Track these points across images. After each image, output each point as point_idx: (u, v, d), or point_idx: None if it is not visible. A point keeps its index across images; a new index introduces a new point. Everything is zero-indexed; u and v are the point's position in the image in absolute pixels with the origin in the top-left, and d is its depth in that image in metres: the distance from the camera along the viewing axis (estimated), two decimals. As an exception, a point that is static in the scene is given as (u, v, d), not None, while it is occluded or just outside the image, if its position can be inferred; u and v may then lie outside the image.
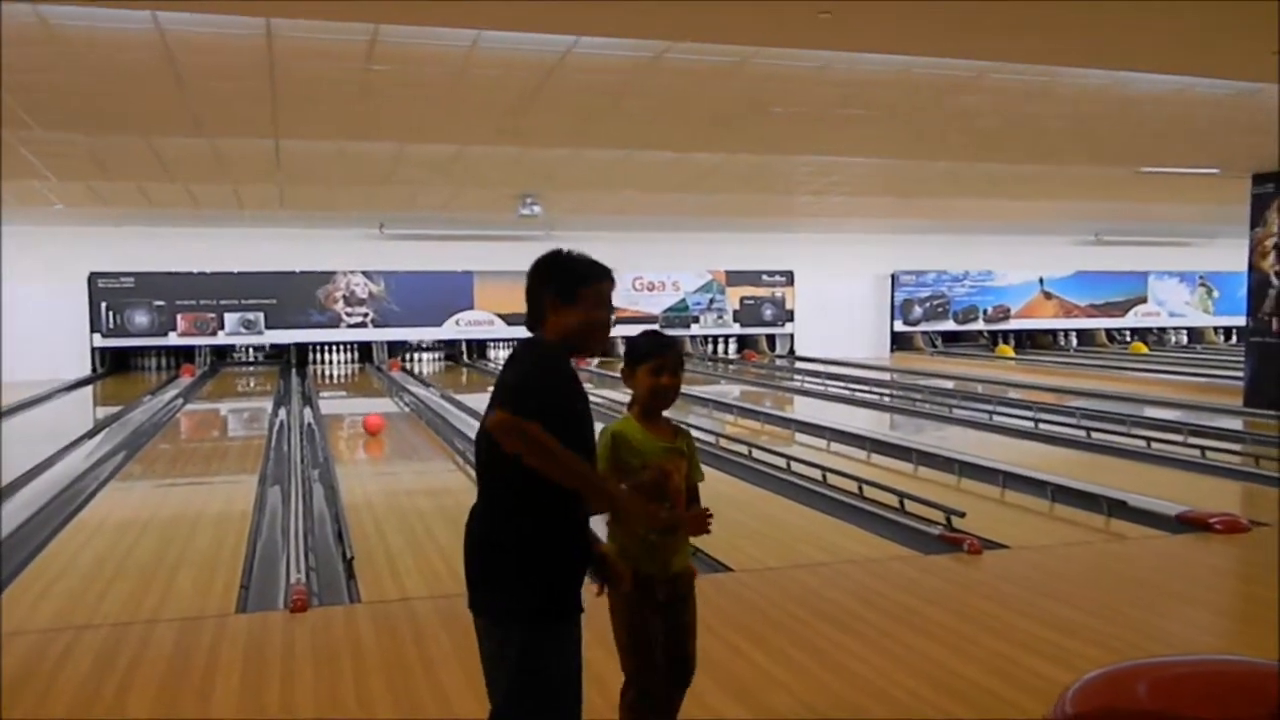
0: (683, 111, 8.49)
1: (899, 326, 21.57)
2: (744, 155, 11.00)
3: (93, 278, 17.17)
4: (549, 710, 2.35)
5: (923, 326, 21.81)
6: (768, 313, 20.77)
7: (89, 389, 15.96)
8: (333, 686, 3.75)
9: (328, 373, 17.97)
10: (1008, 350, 21.51)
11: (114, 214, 15.31)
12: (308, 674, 3.88)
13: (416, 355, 19.15)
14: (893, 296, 21.46)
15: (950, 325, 21.94)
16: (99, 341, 17.29)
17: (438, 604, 4.73)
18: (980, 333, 22.19)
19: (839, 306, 21.01)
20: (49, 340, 16.74)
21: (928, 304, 21.69)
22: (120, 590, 5.11)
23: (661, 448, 2.81)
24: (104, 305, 17.24)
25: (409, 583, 5.24)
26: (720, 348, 21.07)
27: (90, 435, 10.86)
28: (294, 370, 17.73)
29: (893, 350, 21.33)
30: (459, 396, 13.61)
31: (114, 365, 17.66)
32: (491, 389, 2.43)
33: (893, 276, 21.40)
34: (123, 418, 12.15)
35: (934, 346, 21.80)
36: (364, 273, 18.45)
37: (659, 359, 2.80)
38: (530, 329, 2.56)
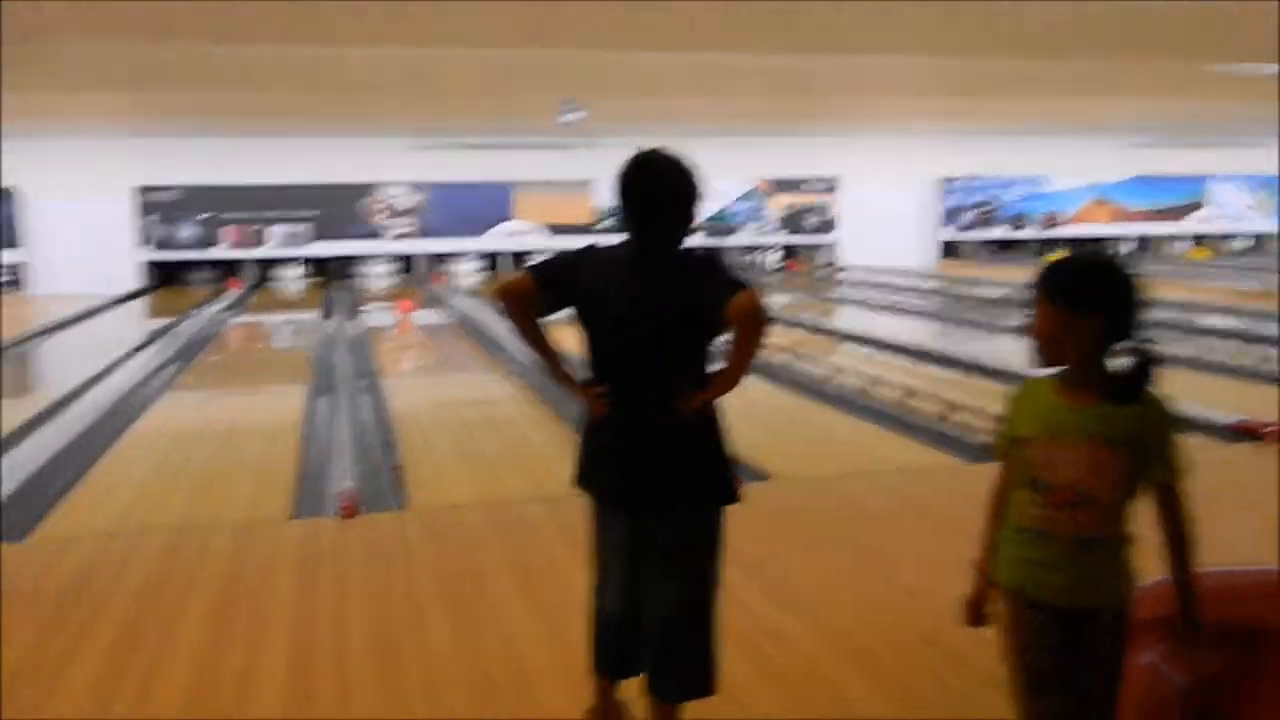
0: (732, 5, 8.22)
1: (947, 234, 21.19)
2: (794, 56, 10.69)
3: (140, 190, 17.26)
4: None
5: (971, 234, 21.40)
6: (812, 221, 20.49)
7: (139, 302, 16.18)
8: (384, 591, 3.82)
9: (371, 285, 18.05)
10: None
11: (160, 126, 15.31)
12: (358, 579, 3.96)
13: (458, 267, 19.16)
14: (941, 203, 21.04)
15: (1000, 233, 21.50)
16: (147, 254, 17.46)
17: (486, 511, 4.79)
18: (1031, 240, 21.74)
19: (885, 214, 20.63)
20: (100, 254, 16.95)
21: (977, 211, 21.25)
22: (177, 498, 5.24)
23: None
24: (151, 218, 17.37)
25: (457, 491, 5.31)
26: (761, 257, 20.85)
27: (143, 348, 11.03)
28: (338, 282, 17.84)
29: (941, 259, 20.98)
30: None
31: (163, 278, 17.86)
32: (673, 292, 2.38)
33: (941, 182, 20.96)
34: (173, 330, 12.32)
35: (983, 254, 21.41)
36: (405, 184, 18.38)
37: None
38: (671, 241, 2.45)
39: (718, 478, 2.50)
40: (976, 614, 2.23)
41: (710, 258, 2.50)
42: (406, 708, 2.93)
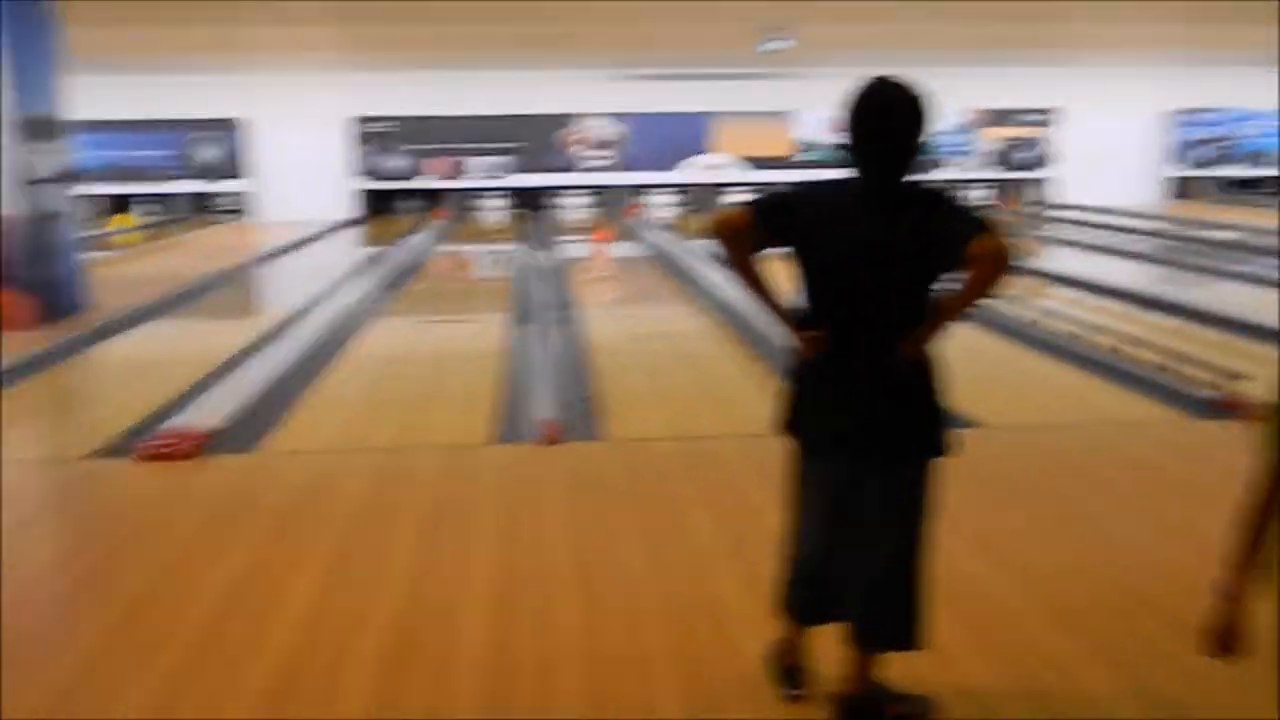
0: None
1: (1177, 171, 19.68)
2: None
3: (355, 122, 18.07)
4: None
5: (1204, 171, 19.79)
6: (1026, 155, 19.42)
7: (353, 230, 17.02)
8: (583, 517, 3.92)
9: (568, 216, 18.35)
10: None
11: (373, 60, 15.91)
12: (559, 505, 4.07)
13: (654, 199, 19.21)
14: (1171, 138, 19.53)
15: (1237, 170, 19.79)
16: (361, 184, 18.30)
17: (680, 445, 4.82)
18: (1271, 179, 19.91)
19: (1108, 148, 19.29)
20: (318, 183, 17.90)
21: (1211, 146, 19.61)
22: (388, 419, 5.52)
23: None
24: (365, 149, 18.17)
25: (650, 424, 5.36)
26: (972, 193, 19.96)
27: (356, 274, 11.62)
28: (536, 213, 18.23)
29: (1169, 197, 19.54)
30: (696, 242, 13.62)
31: (374, 207, 18.70)
32: (916, 230, 2.27)
33: (1171, 116, 19.43)
34: (383, 257, 12.90)
35: (1216, 194, 19.79)
36: (604, 115, 18.50)
37: None
38: (900, 174, 2.32)
39: (936, 431, 2.42)
40: (1222, 644, 1.89)
41: (946, 193, 2.35)
42: (607, 636, 3.00)
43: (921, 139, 2.30)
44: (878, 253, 2.30)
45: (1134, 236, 13.67)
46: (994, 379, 6.11)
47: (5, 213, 7.79)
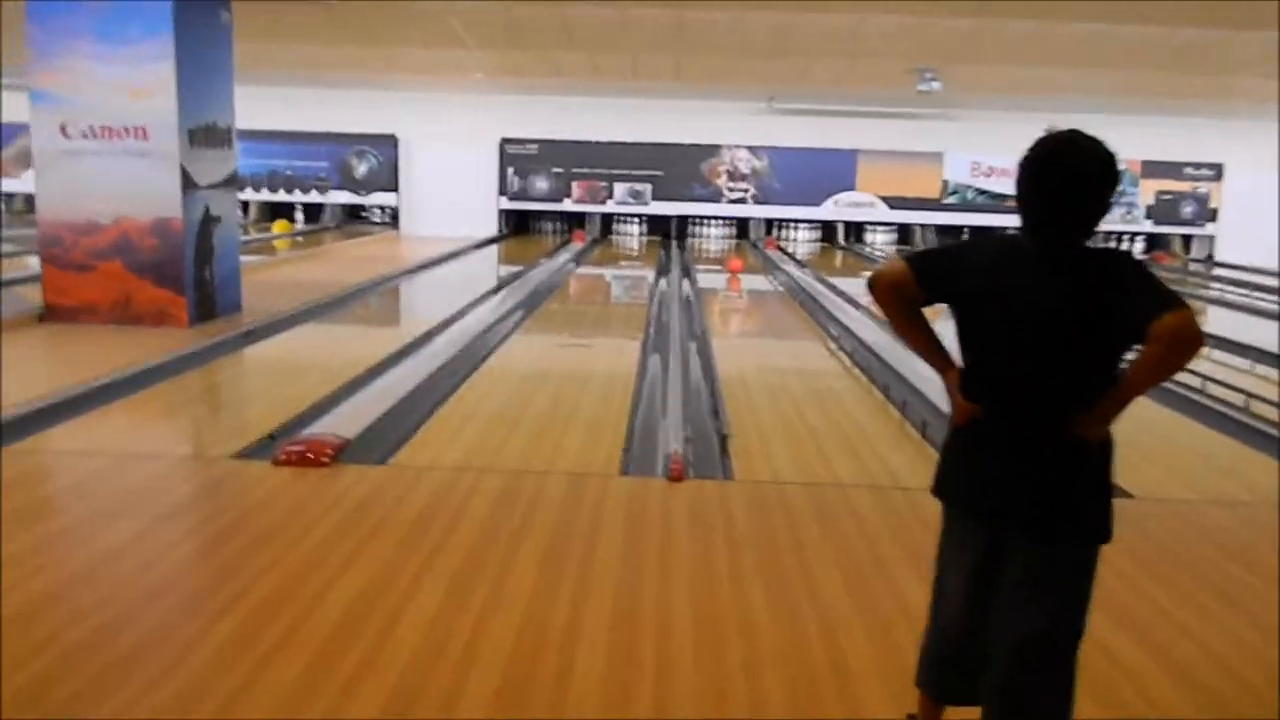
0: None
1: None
2: (1186, 29, 9.63)
3: (503, 143, 18.47)
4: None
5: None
6: (1187, 210, 18.53)
7: (495, 247, 17.37)
8: (707, 562, 3.81)
9: (706, 246, 18.33)
10: None
11: (524, 84, 16.25)
12: (683, 543, 3.97)
13: (793, 234, 19.04)
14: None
15: None
16: (505, 204, 18.68)
17: (810, 490, 4.68)
18: None
19: (1274, 207, 18.28)
20: (464, 200, 18.36)
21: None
22: (517, 438, 5.53)
23: None
24: (511, 170, 18.56)
25: (780, 464, 5.24)
26: (1126, 246, 19.16)
27: (495, 291, 11.82)
28: (674, 242, 18.27)
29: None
30: (832, 279, 13.40)
31: (516, 227, 19.06)
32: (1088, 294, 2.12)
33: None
34: (522, 276, 13.10)
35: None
36: (748, 148, 18.45)
37: None
38: (1079, 236, 2.17)
39: (1104, 512, 2.25)
40: None
41: (1134, 261, 2.19)
42: (728, 687, 2.89)
43: (1107, 200, 2.15)
44: (1047, 318, 2.15)
45: (1304, 302, 12.84)
46: (1151, 447, 5.75)
47: (169, 215, 8.16)
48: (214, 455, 5.05)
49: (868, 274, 2.37)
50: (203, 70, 8.37)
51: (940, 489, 2.40)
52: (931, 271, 2.31)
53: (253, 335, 8.24)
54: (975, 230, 18.05)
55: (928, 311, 2.36)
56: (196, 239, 8.38)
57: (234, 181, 9.09)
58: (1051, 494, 2.21)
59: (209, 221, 8.56)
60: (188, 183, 8.22)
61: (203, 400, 6.62)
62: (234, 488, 4.60)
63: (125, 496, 4.36)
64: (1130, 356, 2.18)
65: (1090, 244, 2.20)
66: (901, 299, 2.32)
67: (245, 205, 18.44)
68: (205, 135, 8.43)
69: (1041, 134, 2.18)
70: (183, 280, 8.24)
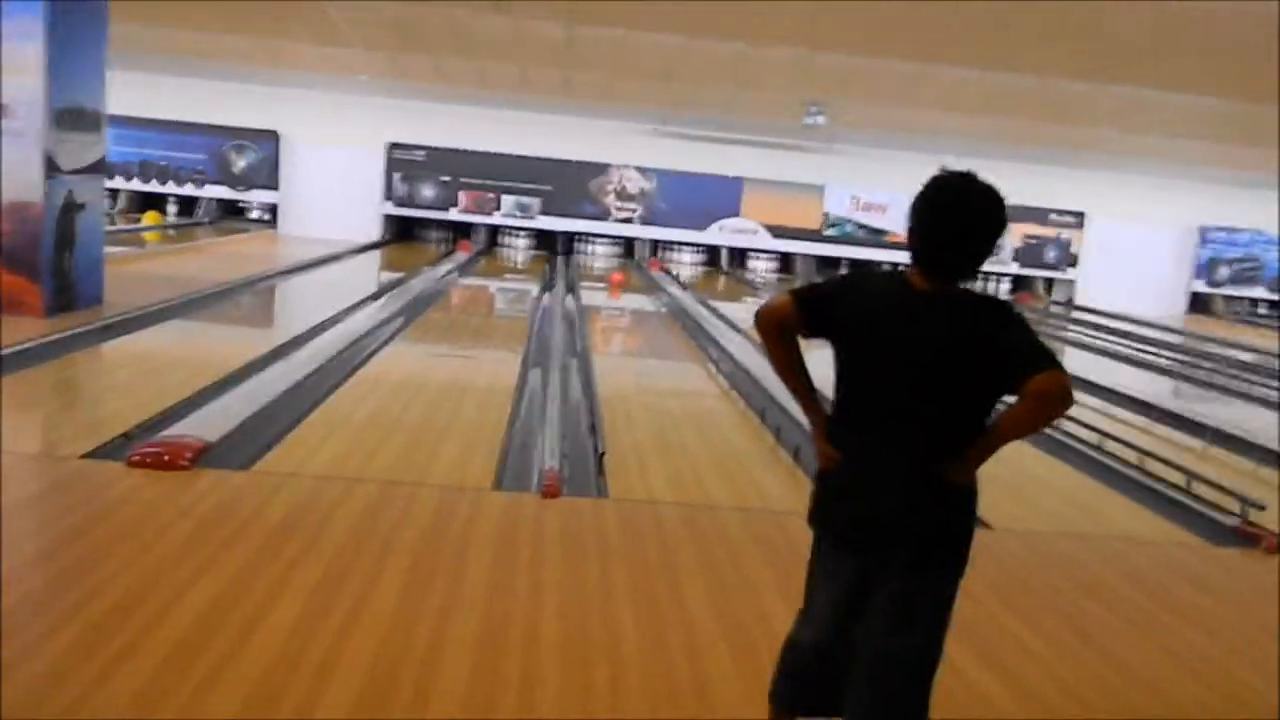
0: (1003, 25, 7.82)
1: (1199, 287, 19.67)
2: (1056, 79, 10.11)
3: (390, 147, 18.16)
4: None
5: (1228, 290, 19.76)
6: (1050, 255, 19.41)
7: (376, 253, 17.03)
8: (578, 578, 3.79)
9: (591, 264, 18.36)
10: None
11: (412, 88, 16.03)
12: (555, 561, 3.94)
13: (677, 256, 19.22)
14: (1197, 253, 19.53)
15: (1261, 293, 19.78)
16: (389, 209, 18.35)
17: (684, 511, 4.69)
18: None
19: (1132, 257, 19.32)
20: (347, 203, 17.95)
21: (1237, 266, 19.61)
22: (389, 448, 5.40)
23: None
24: (397, 175, 18.24)
25: (656, 484, 5.25)
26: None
27: (374, 298, 11.57)
28: (560, 257, 18.23)
29: (1189, 312, 19.51)
30: (715, 303, 13.56)
31: (399, 233, 18.73)
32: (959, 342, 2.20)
33: (1200, 230, 19.45)
34: (404, 284, 12.87)
35: (1239, 314, 19.74)
36: (638, 168, 18.57)
37: None
38: (965, 277, 2.25)
39: (966, 543, 2.32)
40: None
41: (1015, 312, 2.27)
42: (589, 701, 2.86)
43: (992, 243, 2.22)
44: (930, 357, 2.21)
45: (1154, 347, 13.57)
46: (1007, 480, 5.97)
47: (28, 199, 7.75)
48: (64, 453, 4.79)
49: (750, 299, 2.41)
50: (74, 50, 7.99)
51: (814, 519, 2.45)
52: (817, 308, 2.34)
53: (113, 329, 7.87)
54: (854, 263, 18.57)
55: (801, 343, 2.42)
56: (57, 225, 7.97)
57: (102, 168, 8.68)
58: (925, 530, 2.27)
59: (71, 208, 8.15)
60: (51, 166, 7.82)
61: (55, 395, 6.28)
62: (84, 488, 4.37)
63: (-38, 493, 4.09)
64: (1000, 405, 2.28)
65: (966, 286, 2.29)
66: (784, 333, 2.37)
67: (115, 194, 17.65)
68: (73, 118, 8.03)
69: (935, 173, 2.25)
70: (39, 267, 7.82)
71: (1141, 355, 12.85)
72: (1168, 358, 12.95)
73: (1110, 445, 6.90)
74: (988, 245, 2.21)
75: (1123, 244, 19.20)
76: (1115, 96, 10.80)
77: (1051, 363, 2.11)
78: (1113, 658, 3.59)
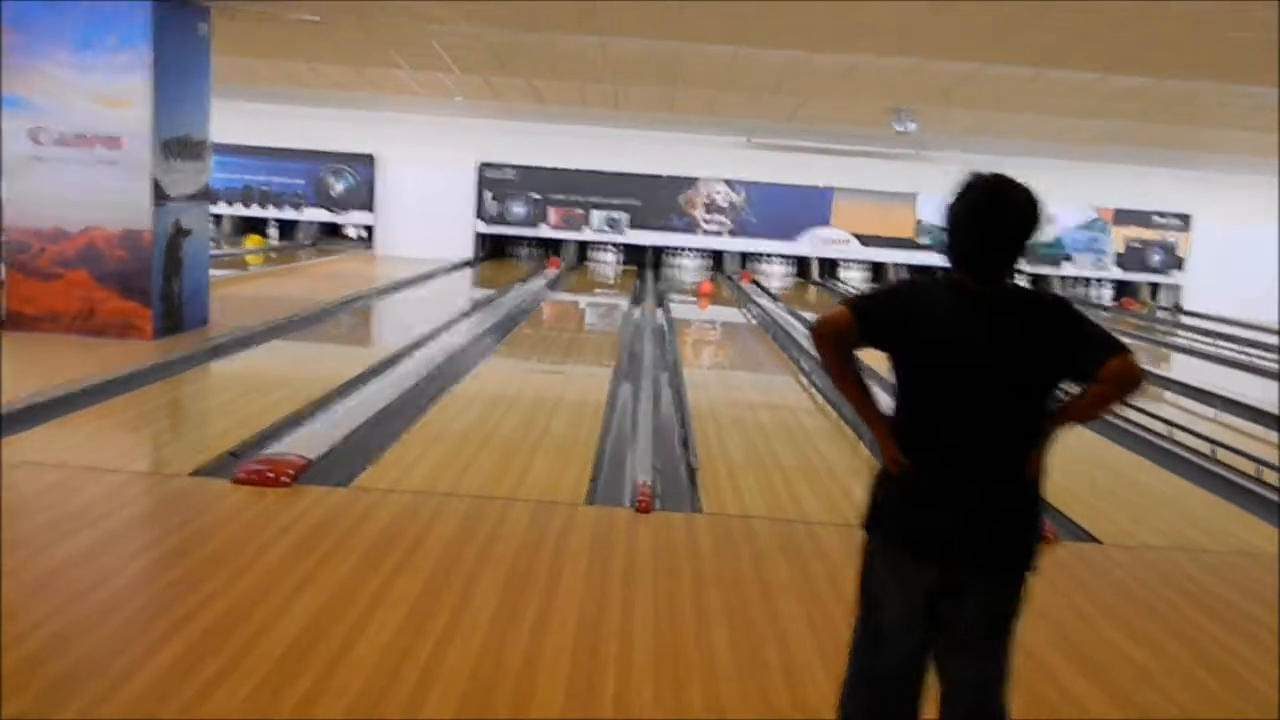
0: (1116, 27, 7.58)
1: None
2: (1170, 81, 9.76)
3: (481, 167, 18.44)
4: None
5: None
6: (1155, 258, 18.77)
7: (469, 271, 17.30)
8: (671, 593, 3.77)
9: (681, 277, 18.35)
10: None
11: (503, 108, 16.26)
12: (648, 576, 3.92)
13: (767, 268, 19.10)
14: (1312, 253, 18.68)
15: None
16: (481, 228, 18.63)
17: (776, 526, 4.64)
18: None
19: (1244, 258, 18.56)
20: (440, 222, 18.29)
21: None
22: (484, 463, 5.45)
23: None
24: (488, 194, 18.52)
25: (748, 498, 5.19)
26: (1095, 292, 19.38)
27: (468, 314, 11.74)
28: (650, 271, 18.27)
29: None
30: (806, 314, 13.42)
31: (492, 251, 19.00)
32: (1061, 335, 2.23)
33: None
34: (496, 301, 13.04)
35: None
36: (726, 181, 18.53)
37: None
38: (1010, 276, 2.27)
39: (1038, 544, 2.31)
40: None
41: (1072, 306, 2.29)
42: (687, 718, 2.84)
43: (1028, 241, 2.23)
44: (997, 360, 2.21)
45: (1266, 351, 12.99)
46: (1118, 494, 5.77)
47: (139, 227, 8.06)
48: (172, 471, 4.94)
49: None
50: (179, 82, 8.30)
51: (877, 526, 2.39)
52: (874, 317, 2.31)
53: (219, 350, 8.13)
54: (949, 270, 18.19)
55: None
56: (165, 251, 8.28)
57: (207, 195, 9.00)
58: (1009, 532, 2.27)
59: (179, 234, 8.46)
60: (159, 194, 8.13)
61: (164, 415, 6.50)
62: (191, 505, 4.50)
63: (80, 510, 4.25)
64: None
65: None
66: (842, 345, 2.33)
67: (218, 219, 18.28)
68: (179, 147, 8.35)
69: (975, 175, 2.25)
70: (149, 292, 8.13)
71: (1255, 360, 12.31)
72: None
73: (1224, 455, 6.62)
74: (1022, 243, 2.23)
75: (1233, 245, 18.46)
76: (1222, 94, 10.40)
77: (1122, 347, 2.19)
78: (1232, 676, 3.43)
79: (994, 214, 2.21)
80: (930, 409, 2.28)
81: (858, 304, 2.33)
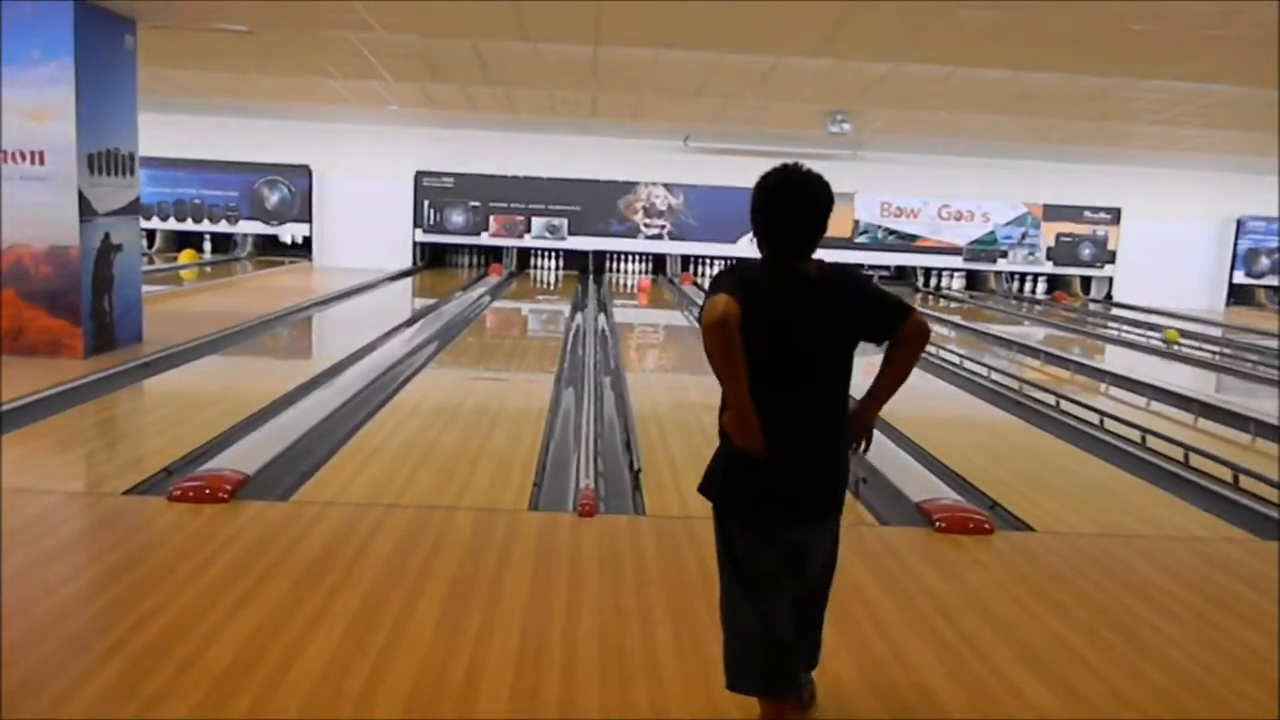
0: (1029, 26, 7.76)
1: (1239, 278, 19.35)
2: (1085, 77, 10.00)
3: (419, 176, 18.32)
4: None
5: (1270, 280, 19.43)
6: (1086, 252, 19.19)
7: (409, 280, 17.18)
8: (615, 596, 3.78)
9: (622, 282, 18.39)
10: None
11: (439, 116, 16.18)
12: (592, 580, 3.93)
13: (709, 271, 19.20)
14: (1235, 244, 19.23)
15: (1302, 281, 19.45)
16: (420, 236, 18.50)
17: (720, 526, 4.66)
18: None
19: (1169, 251, 19.07)
20: (379, 232, 18.13)
21: (1277, 255, 19.28)
22: (426, 474, 5.42)
23: None
24: (426, 203, 18.40)
25: (691, 499, 5.20)
26: (1028, 286, 19.76)
27: (408, 324, 11.66)
28: (591, 277, 18.28)
29: (1228, 304, 19.20)
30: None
31: (431, 260, 18.88)
32: (857, 301, 2.61)
33: (1238, 222, 19.15)
34: (437, 310, 12.96)
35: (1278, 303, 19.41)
36: (665, 185, 18.60)
37: None
38: (808, 256, 2.60)
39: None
40: None
41: (864, 276, 2.78)
42: (629, 725, 2.85)
43: (826, 221, 2.55)
44: (820, 332, 2.54)
45: (1192, 341, 13.35)
46: (1051, 482, 5.89)
47: (65, 243, 7.89)
48: (107, 490, 4.85)
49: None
50: (105, 94, 8.15)
51: (731, 494, 2.65)
52: (746, 299, 2.44)
53: (152, 367, 7.98)
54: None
55: None
56: (95, 267, 8.11)
57: (136, 209, 8.83)
58: (839, 481, 2.70)
59: (109, 250, 8.30)
60: (86, 209, 7.97)
61: (97, 434, 6.37)
62: (126, 524, 4.42)
63: (12, 532, 4.16)
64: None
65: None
66: (733, 329, 2.43)
67: (151, 234, 17.96)
68: (106, 161, 8.19)
69: (772, 168, 2.60)
70: (79, 309, 7.96)
71: (1183, 350, 12.65)
72: (1209, 351, 12.74)
73: (1154, 442, 6.79)
74: (825, 223, 2.56)
75: (1159, 238, 18.96)
76: (1142, 90, 10.68)
77: (910, 309, 2.60)
78: (1161, 657, 3.52)
79: (796, 200, 2.54)
80: (771, 381, 2.52)
81: (731, 290, 2.45)
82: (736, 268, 2.64)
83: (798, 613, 2.66)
